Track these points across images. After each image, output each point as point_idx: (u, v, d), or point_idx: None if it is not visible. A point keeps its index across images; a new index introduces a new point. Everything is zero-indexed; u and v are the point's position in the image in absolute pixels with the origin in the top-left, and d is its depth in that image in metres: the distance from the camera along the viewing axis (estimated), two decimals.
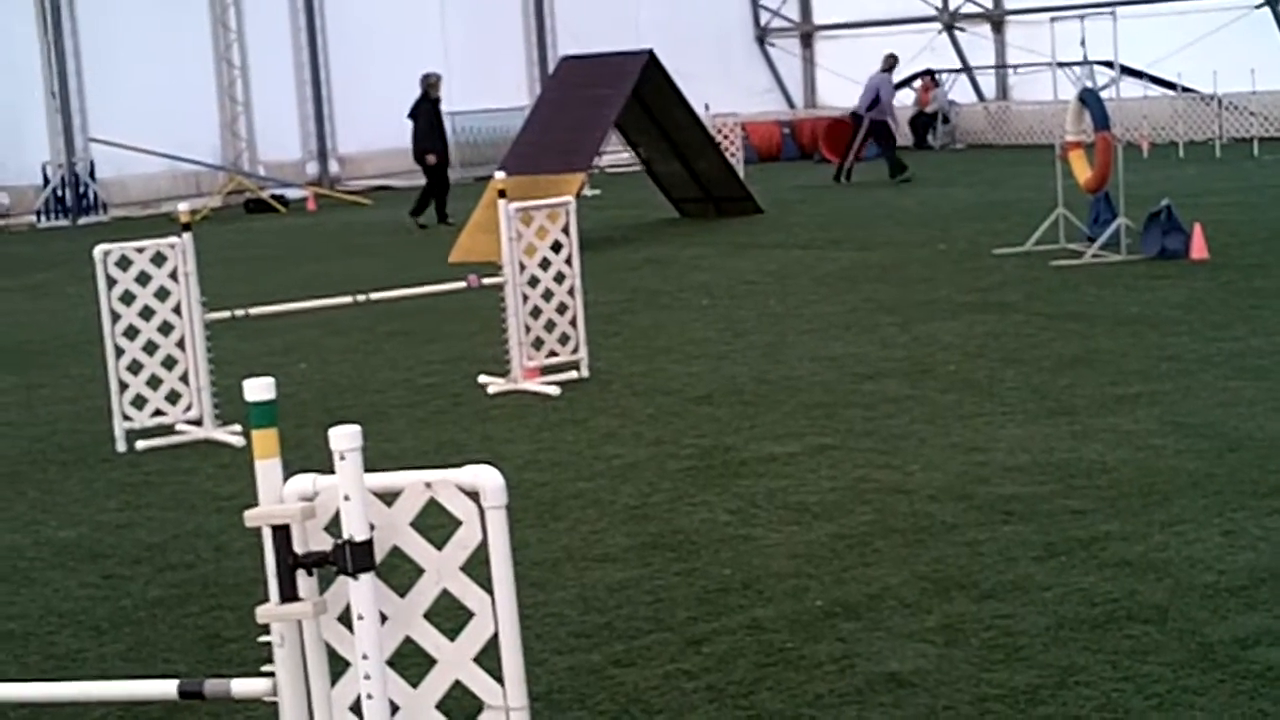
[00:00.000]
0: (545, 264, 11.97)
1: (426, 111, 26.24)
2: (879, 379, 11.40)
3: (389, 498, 4.19)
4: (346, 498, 3.98)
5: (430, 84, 26.41)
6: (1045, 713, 5.43)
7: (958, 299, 14.93)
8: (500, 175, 12.61)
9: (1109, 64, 20.04)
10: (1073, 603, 6.44)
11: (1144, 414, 9.76)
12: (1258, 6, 35.87)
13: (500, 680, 4.24)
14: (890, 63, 31.90)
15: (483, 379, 11.96)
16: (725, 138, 28.96)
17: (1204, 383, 10.56)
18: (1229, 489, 7.92)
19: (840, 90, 43.43)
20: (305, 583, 4.15)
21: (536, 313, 11.91)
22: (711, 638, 6.33)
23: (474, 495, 4.15)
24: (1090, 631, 6.12)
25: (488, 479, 4.14)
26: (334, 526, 4.08)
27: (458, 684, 4.28)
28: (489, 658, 4.24)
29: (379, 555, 4.11)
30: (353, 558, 3.99)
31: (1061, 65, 26.31)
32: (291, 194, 33.68)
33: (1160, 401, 10.08)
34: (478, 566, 4.19)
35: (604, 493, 8.65)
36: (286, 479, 4.18)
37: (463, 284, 11.88)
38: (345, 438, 3.96)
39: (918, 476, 8.62)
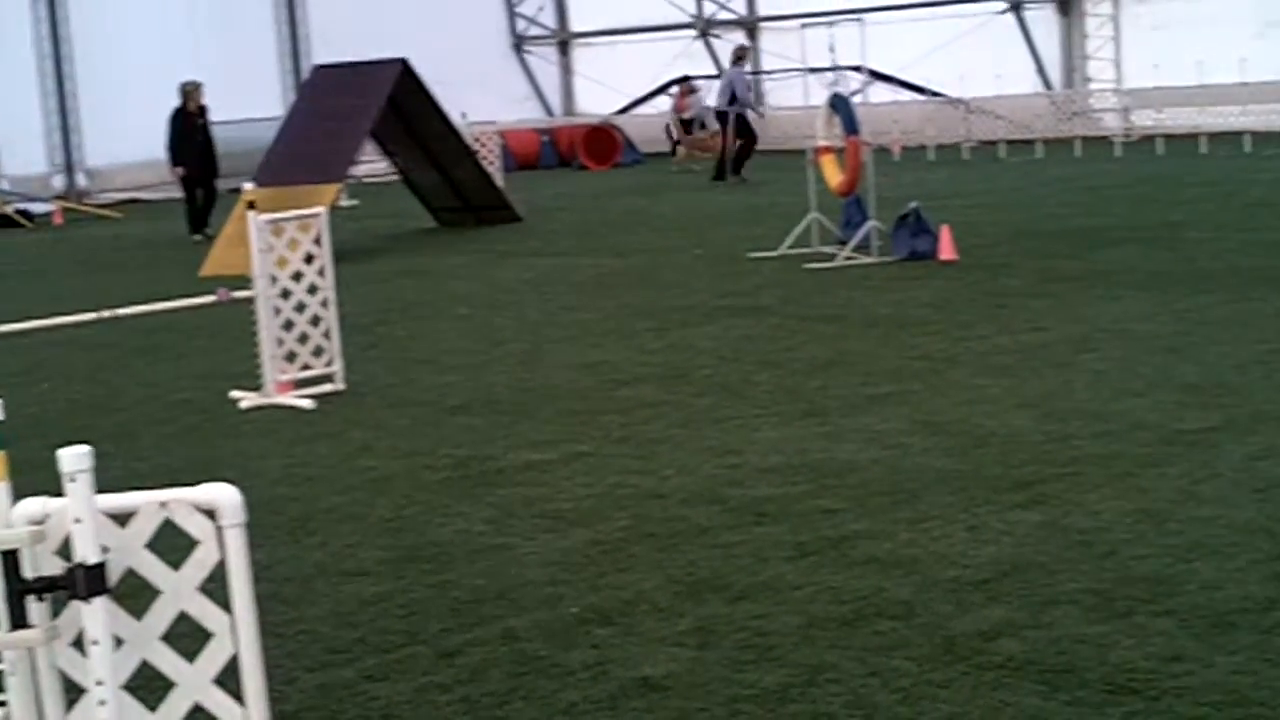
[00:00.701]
0: (298, 276, 11.82)
1: (177, 122, 25.73)
2: (635, 385, 11.44)
3: (123, 519, 4.10)
4: (77, 520, 3.89)
5: (187, 93, 25.89)
6: (795, 711, 5.48)
7: (713, 303, 15.06)
8: (249, 187, 12.42)
9: (858, 69, 20.37)
10: (823, 601, 6.52)
11: (893, 413, 9.92)
12: (1002, 12, 36.72)
13: (242, 701, 4.17)
14: (740, 54, 31.91)
15: (235, 394, 11.77)
16: (483, 146, 28.91)
17: (951, 381, 10.77)
18: (974, 485, 8.08)
19: (598, 97, 43.68)
20: (37, 609, 4.05)
21: (289, 326, 11.76)
22: (465, 649, 6.29)
23: (211, 514, 4.08)
24: (839, 629, 6.19)
25: (224, 497, 4.07)
26: (67, 550, 3.99)
27: (199, 707, 4.20)
28: (234, 678, 4.16)
29: (114, 578, 4.02)
30: (85, 582, 3.90)
31: (813, 71, 26.73)
32: (37, 208, 32.88)
33: (909, 401, 10.25)
34: (221, 586, 4.12)
35: (358, 506, 8.56)
36: (16, 502, 4.07)
37: (213, 298, 11.69)
38: (74, 459, 3.87)
39: (673, 481, 8.66)
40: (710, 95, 41.46)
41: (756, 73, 41.65)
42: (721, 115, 31.13)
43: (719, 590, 6.76)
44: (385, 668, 6.15)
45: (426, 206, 25.20)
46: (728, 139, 30.81)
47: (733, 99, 30.68)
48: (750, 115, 31.13)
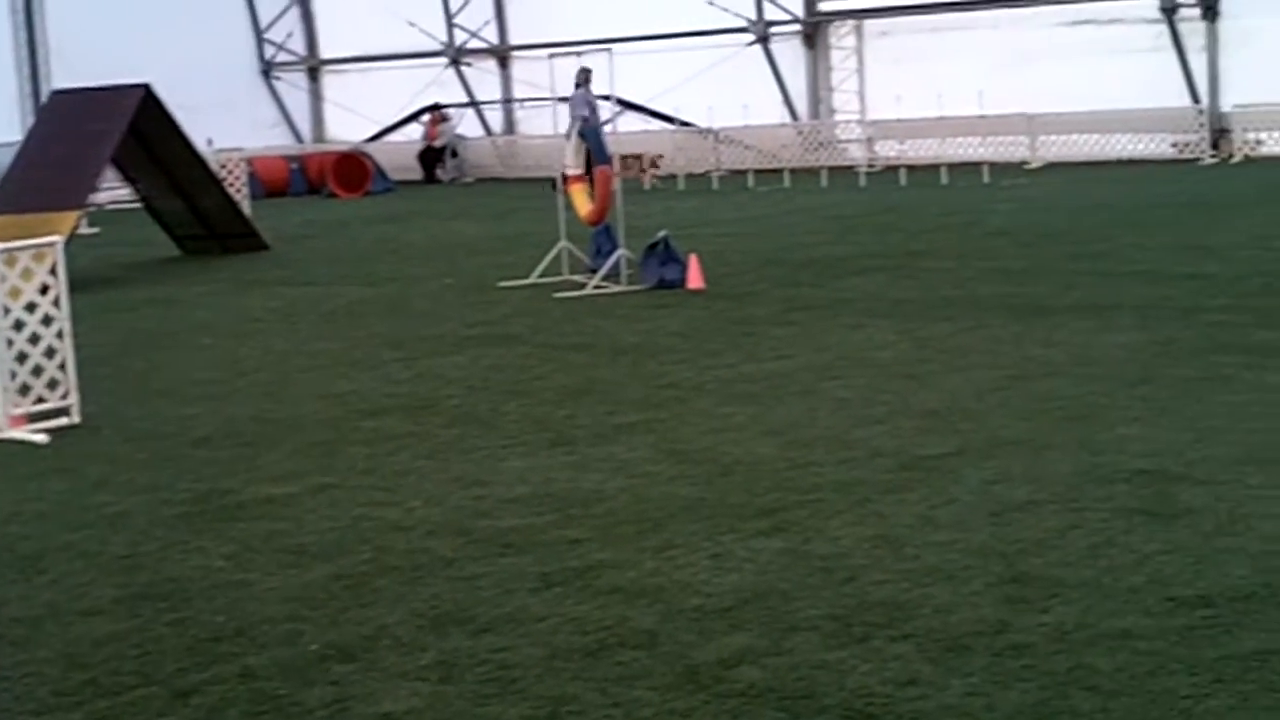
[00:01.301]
0: (32, 307, 11.49)
1: None
2: (382, 415, 11.32)
3: None
4: None
5: None
6: None
7: (463, 333, 14.99)
8: None
9: (608, 98, 20.46)
10: (567, 632, 6.49)
11: (640, 442, 9.93)
12: (749, 44, 37.21)
13: None
14: (584, 76, 31.54)
15: None
16: (230, 173, 28.50)
17: (698, 410, 10.82)
18: (718, 513, 8.12)
19: (349, 124, 43.35)
20: None
21: (22, 358, 11.42)
22: (202, 688, 6.15)
23: None
24: (583, 660, 6.17)
25: None
26: None
27: None
28: None
29: None
30: None
31: (562, 100, 26.78)
32: None
33: (656, 429, 10.28)
34: None
35: (92, 543, 8.33)
36: None
37: None
38: None
39: (418, 513, 8.58)
40: (461, 123, 41.45)
41: (507, 101, 41.69)
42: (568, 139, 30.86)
43: (462, 623, 6.69)
44: (116, 710, 5.98)
45: (170, 234, 24.73)
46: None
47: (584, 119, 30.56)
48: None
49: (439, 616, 6.80)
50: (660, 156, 34.03)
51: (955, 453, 9.14)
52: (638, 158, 33.17)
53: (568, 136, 19.01)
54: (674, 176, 34.34)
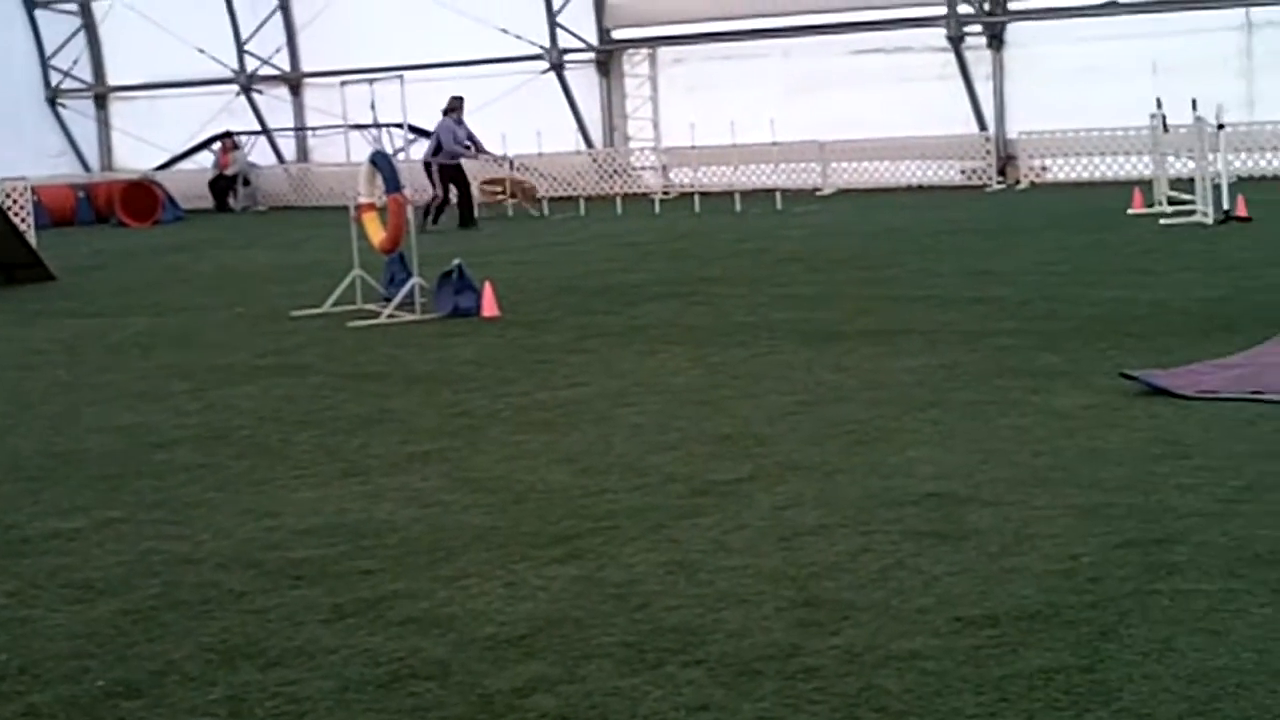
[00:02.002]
0: None
1: None
2: (171, 447, 11.14)
3: None
4: None
5: None
6: None
7: (254, 363, 14.83)
8: None
9: (400, 126, 20.39)
10: (359, 664, 6.42)
11: (434, 471, 9.89)
12: (544, 72, 37.31)
13: None
14: (453, 104, 31.19)
15: None
16: (15, 202, 27.93)
17: (492, 438, 10.80)
18: (512, 541, 8.09)
19: (137, 152, 42.73)
20: None
21: None
22: None
23: None
24: (375, 692, 6.11)
25: None
26: None
27: None
28: None
29: None
30: None
31: (355, 127, 26.68)
32: None
33: (450, 458, 10.24)
34: None
35: None
36: None
37: None
38: None
39: (207, 545, 8.45)
40: (253, 151, 41.06)
41: (300, 129, 41.34)
42: (427, 166, 30.61)
43: (252, 657, 6.60)
44: None
45: None
46: (436, 189, 30.40)
47: (438, 150, 30.32)
48: (465, 163, 30.87)
49: (228, 650, 6.70)
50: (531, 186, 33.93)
51: (748, 478, 9.21)
52: (500, 182, 33.04)
53: (431, 155, 18.89)
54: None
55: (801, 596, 6.92)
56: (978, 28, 33.88)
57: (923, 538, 7.72)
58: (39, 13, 42.63)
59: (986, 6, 33.81)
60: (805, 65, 35.06)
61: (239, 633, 6.93)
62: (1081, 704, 5.56)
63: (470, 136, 31.12)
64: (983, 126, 34.02)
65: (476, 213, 30.66)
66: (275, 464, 10.40)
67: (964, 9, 33.72)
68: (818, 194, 33.80)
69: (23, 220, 26.99)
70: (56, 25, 43.06)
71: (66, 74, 43.47)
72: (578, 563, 7.65)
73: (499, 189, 33.53)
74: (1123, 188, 28.05)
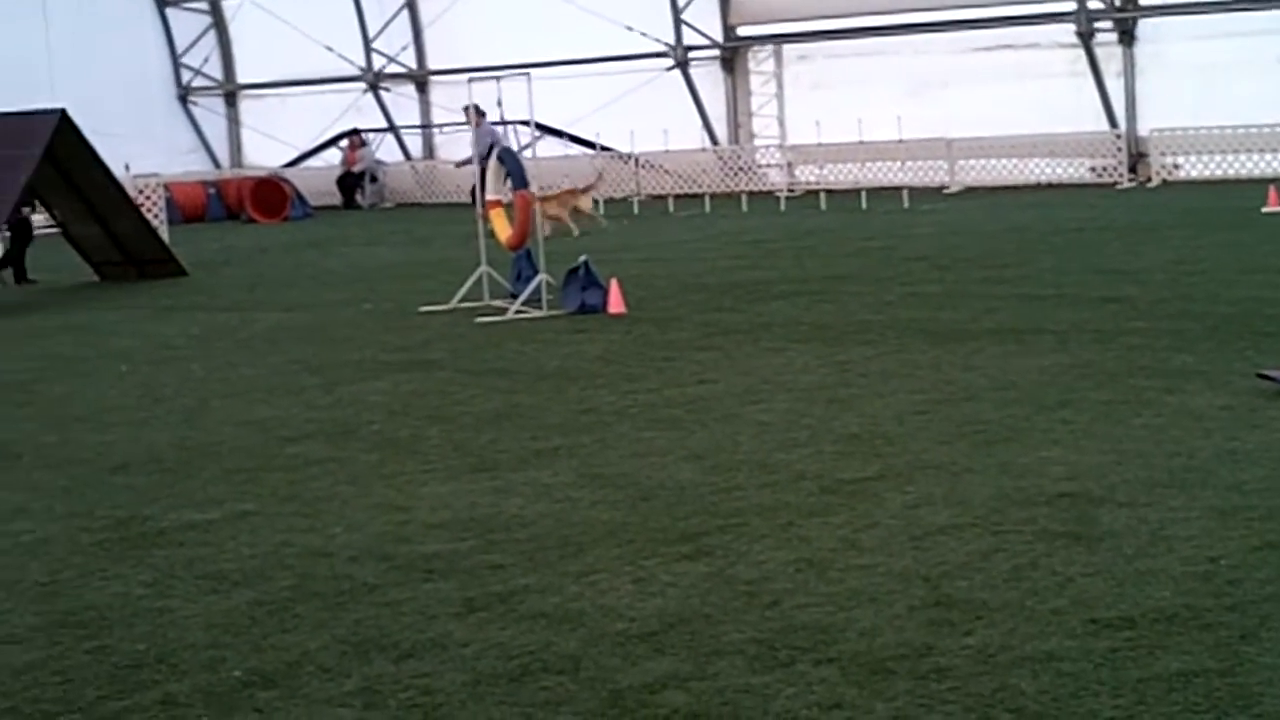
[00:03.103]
0: None
1: None
2: (302, 441, 11.26)
3: None
4: None
5: None
6: None
7: (383, 358, 14.94)
8: None
9: (527, 123, 20.45)
10: (490, 657, 6.46)
11: (563, 466, 9.92)
12: (669, 69, 37.28)
13: None
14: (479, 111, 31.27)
15: None
16: (147, 199, 28.32)
17: (620, 434, 10.82)
18: (641, 537, 8.11)
19: (267, 149, 43.17)
20: None
21: None
22: (123, 715, 6.09)
23: None
24: (507, 685, 6.14)
25: None
26: None
27: None
28: None
29: None
30: None
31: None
32: None
33: (578, 454, 10.27)
34: None
35: (10, 571, 8.25)
36: None
37: None
38: None
39: (340, 538, 8.53)
40: (380, 148, 41.35)
41: (426, 126, 41.62)
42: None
43: (385, 649, 6.66)
44: None
45: (87, 260, 24.56)
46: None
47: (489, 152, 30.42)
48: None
49: (362, 642, 6.76)
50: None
51: (877, 476, 9.17)
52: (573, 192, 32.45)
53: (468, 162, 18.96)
54: (595, 201, 34.38)
55: (933, 596, 6.88)
56: (1108, 23, 33.49)
57: (1056, 538, 7.65)
58: (170, 11, 43.20)
59: (1117, 2, 33.44)
60: (932, 62, 34.81)
61: (372, 625, 6.99)
62: (1221, 708, 5.49)
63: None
64: (1113, 123, 33.64)
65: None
66: (405, 458, 10.48)
67: (1094, 4, 33.36)
68: (944, 192, 33.56)
69: (155, 216, 27.37)
70: (187, 24, 43.61)
71: (197, 72, 44.00)
72: (707, 559, 7.65)
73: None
74: (1257, 185, 27.63)
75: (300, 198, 38.50)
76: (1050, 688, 5.75)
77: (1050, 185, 33.51)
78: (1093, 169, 33.89)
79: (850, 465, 9.47)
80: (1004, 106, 33.42)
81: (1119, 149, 33.63)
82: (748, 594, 7.07)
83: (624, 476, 9.56)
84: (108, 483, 10.32)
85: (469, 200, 29.33)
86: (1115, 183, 33.26)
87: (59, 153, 22.35)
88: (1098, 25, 33.56)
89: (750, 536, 8.01)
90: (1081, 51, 33.66)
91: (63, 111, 22.16)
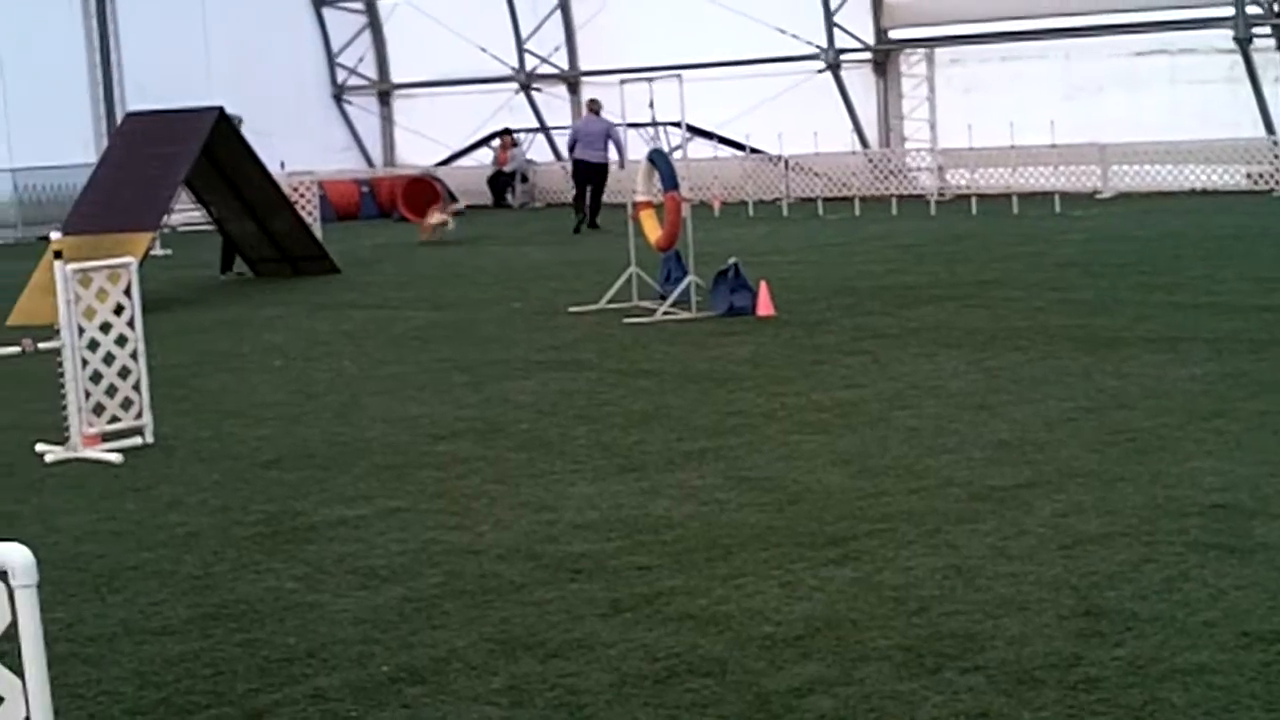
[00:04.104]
0: (106, 327, 11.58)
1: None
2: (451, 439, 11.35)
3: None
4: None
5: None
6: None
7: (532, 357, 15.02)
8: (56, 235, 12.18)
9: (678, 125, 20.49)
10: (636, 659, 6.48)
11: (710, 469, 9.93)
12: (820, 71, 37.17)
13: None
14: (595, 106, 31.60)
15: (40, 448, 11.50)
16: (301, 196, 28.66)
17: (767, 437, 10.81)
18: (788, 541, 8.10)
19: (419, 148, 43.56)
20: None
21: (97, 377, 11.52)
22: (273, 709, 6.17)
23: (1, 574, 3.95)
24: (653, 687, 6.16)
25: (15, 557, 3.94)
26: None
27: None
28: None
29: None
30: None
31: (633, 126, 26.86)
32: None
33: (725, 456, 10.27)
34: (13, 648, 3.99)
35: (165, 563, 8.39)
36: None
37: (17, 349, 11.42)
38: None
39: (487, 537, 8.59)
40: (531, 148, 41.57)
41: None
42: (586, 165, 30.84)
43: (532, 648, 6.70)
44: None
45: (242, 256, 24.95)
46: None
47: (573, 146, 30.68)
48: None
49: (509, 641, 6.81)
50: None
51: (1026, 484, 9.10)
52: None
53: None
54: (743, 203, 34.37)
55: (1083, 605, 6.81)
56: (1266, 29, 32.96)
57: (1208, 550, 7.55)
58: (326, 11, 43.72)
59: (1276, 8, 32.89)
60: (1085, 66, 34.44)
61: (519, 624, 7.03)
62: None
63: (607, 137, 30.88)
64: (1270, 130, 33.11)
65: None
66: (553, 458, 10.53)
67: (1252, 9, 32.84)
68: (1097, 197, 33.18)
69: (309, 214, 27.67)
70: (343, 23, 44.12)
71: (352, 71, 44.47)
72: (854, 564, 7.63)
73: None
74: None
75: (452, 196, 38.78)
76: (1201, 701, 5.68)
77: (1205, 192, 33.03)
78: (1248, 175, 33.35)
79: (1000, 472, 9.41)
80: (1159, 112, 33.00)
81: (1276, 155, 33.07)
82: (895, 600, 7.04)
83: (771, 480, 9.55)
84: (260, 477, 10.45)
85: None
86: (1271, 189, 32.71)
87: (216, 150, 22.71)
88: (1256, 31, 33.03)
89: (898, 542, 7.98)
90: (1239, 57, 33.14)
91: (220, 109, 22.53)
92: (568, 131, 41.86)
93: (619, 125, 27.27)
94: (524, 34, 41.57)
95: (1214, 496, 8.54)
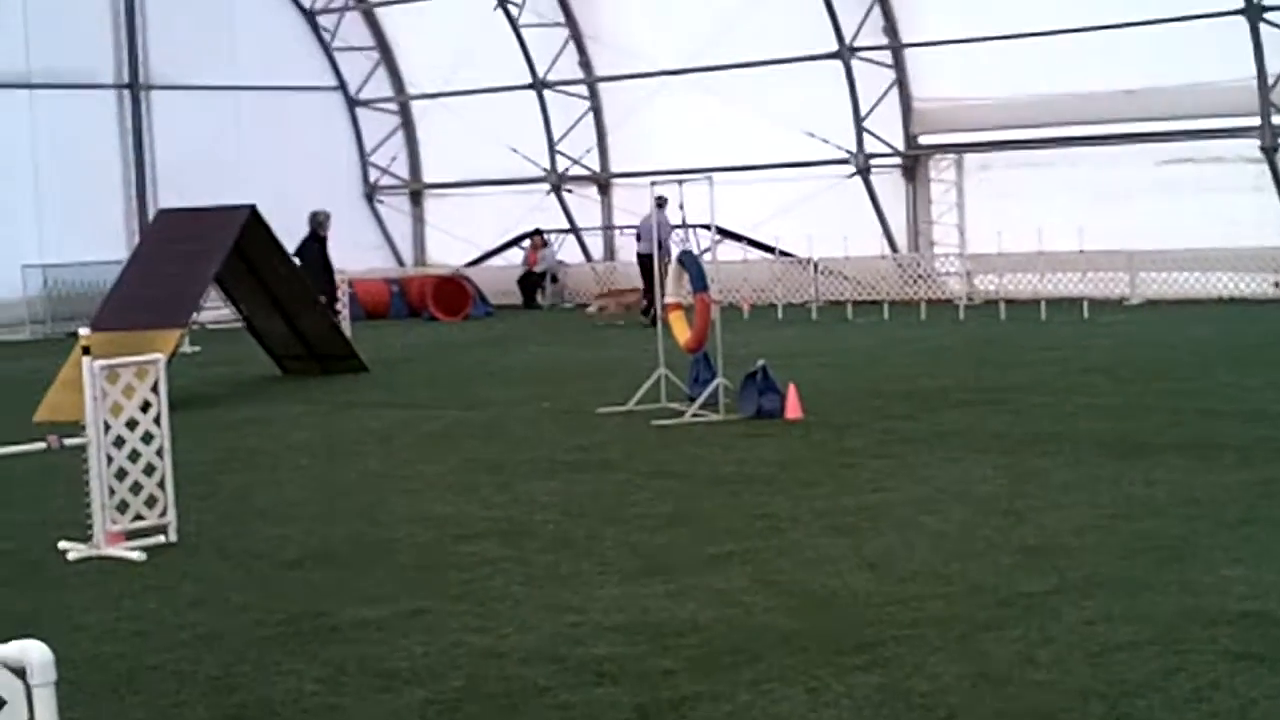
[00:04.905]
0: (132, 424, 11.58)
1: (315, 251, 25.62)
2: (477, 540, 11.31)
3: None
4: None
5: (318, 222, 25.90)
6: None
7: (560, 458, 14.99)
8: (84, 331, 12.20)
9: (707, 227, 20.52)
10: None
11: (737, 572, 9.87)
12: (849, 176, 37.25)
13: None
14: (661, 200, 31.56)
15: (63, 545, 11.47)
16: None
17: (794, 541, 10.75)
18: (815, 646, 8.03)
19: (450, 248, 43.66)
20: None
21: (122, 474, 11.51)
22: None
23: (20, 672, 3.92)
24: None
25: (34, 654, 3.92)
26: None
27: None
28: None
29: None
30: None
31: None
32: None
33: (753, 560, 10.22)
34: None
35: (186, 663, 8.34)
36: None
37: (43, 445, 11.42)
38: None
39: (512, 639, 8.54)
40: (561, 249, 41.66)
41: (608, 227, 41.90)
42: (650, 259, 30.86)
43: None
44: None
45: (270, 354, 24.92)
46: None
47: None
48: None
49: None
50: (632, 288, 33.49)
51: (1054, 590, 9.04)
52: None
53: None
54: (772, 306, 34.40)
55: (1112, 714, 6.74)
56: None
57: (1239, 659, 7.47)
58: (360, 111, 43.98)
59: None
60: (1114, 173, 34.39)
61: None
62: None
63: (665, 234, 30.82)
64: None
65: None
66: (580, 559, 10.49)
67: (1278, 120, 32.86)
68: (1125, 304, 33.10)
69: (339, 312, 27.75)
70: (376, 123, 44.34)
71: (384, 170, 44.67)
72: (881, 670, 7.56)
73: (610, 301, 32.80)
74: None
75: (481, 296, 38.85)
76: None
77: (1233, 299, 32.93)
78: (1276, 284, 33.25)
79: (1028, 578, 9.35)
80: (1186, 219, 32.93)
81: None
82: (922, 707, 6.96)
83: (798, 583, 9.49)
84: (284, 577, 10.42)
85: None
86: None
87: (247, 248, 22.78)
88: None
89: (926, 648, 7.91)
90: (1265, 166, 33.15)
91: (252, 208, 22.59)
92: (598, 233, 42.11)
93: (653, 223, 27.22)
94: (556, 135, 41.77)
95: (1244, 604, 8.46)
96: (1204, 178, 33.74)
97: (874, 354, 24.32)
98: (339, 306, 27.33)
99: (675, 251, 25.84)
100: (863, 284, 36.21)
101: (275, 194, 30.95)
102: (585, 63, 41.03)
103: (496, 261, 43.06)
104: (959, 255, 36.74)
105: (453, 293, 38.44)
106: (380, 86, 44.02)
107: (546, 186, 42.03)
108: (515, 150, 41.32)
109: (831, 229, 35.76)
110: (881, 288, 35.74)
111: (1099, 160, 34.78)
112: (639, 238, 32.01)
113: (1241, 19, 31.51)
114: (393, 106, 44.35)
